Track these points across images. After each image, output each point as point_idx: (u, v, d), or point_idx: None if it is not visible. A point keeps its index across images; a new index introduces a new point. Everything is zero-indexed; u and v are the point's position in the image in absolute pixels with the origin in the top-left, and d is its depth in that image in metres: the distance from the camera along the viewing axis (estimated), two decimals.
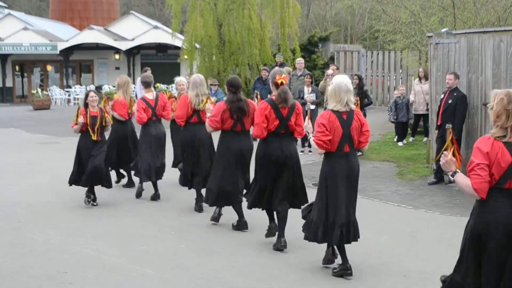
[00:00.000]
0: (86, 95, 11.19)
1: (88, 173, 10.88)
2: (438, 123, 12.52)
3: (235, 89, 9.20)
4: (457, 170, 5.09)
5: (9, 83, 42.70)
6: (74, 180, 11.13)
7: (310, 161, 15.30)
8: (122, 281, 7.39)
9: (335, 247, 7.60)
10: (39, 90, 37.09)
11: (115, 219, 10.05)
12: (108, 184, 11.21)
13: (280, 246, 8.29)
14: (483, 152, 4.88)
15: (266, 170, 8.38)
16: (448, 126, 5.26)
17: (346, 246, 7.42)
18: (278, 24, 29.13)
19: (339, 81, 7.29)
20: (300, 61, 19.00)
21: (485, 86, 12.07)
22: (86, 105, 11.10)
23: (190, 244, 8.74)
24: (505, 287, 4.97)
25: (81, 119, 10.87)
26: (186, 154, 10.71)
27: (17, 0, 65.91)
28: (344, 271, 7.36)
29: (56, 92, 38.61)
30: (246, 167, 9.42)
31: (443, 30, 14.18)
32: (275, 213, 8.52)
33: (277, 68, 8.97)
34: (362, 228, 9.11)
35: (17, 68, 43.76)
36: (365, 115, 16.10)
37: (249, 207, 8.72)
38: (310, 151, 16.62)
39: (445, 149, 5.18)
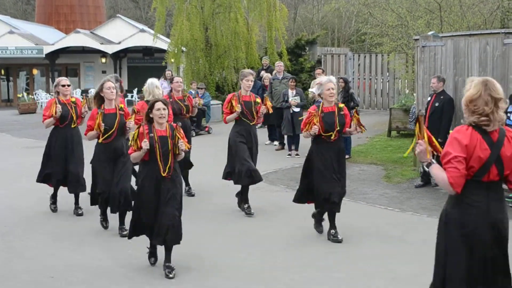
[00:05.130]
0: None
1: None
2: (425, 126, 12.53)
3: None
4: (433, 160, 4.89)
5: None
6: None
7: (297, 165, 15.30)
8: (110, 285, 7.37)
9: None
10: (25, 94, 36.92)
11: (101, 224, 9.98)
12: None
13: None
14: (461, 144, 4.69)
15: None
16: (421, 113, 5.09)
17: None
18: (265, 28, 29.17)
19: (153, 81, 10.88)
20: (279, 64, 19.06)
21: None
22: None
23: (178, 248, 8.69)
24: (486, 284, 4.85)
25: (146, 144, 7.47)
26: None
27: (2, 4, 65.67)
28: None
29: (42, 96, 38.39)
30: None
31: (430, 33, 14.23)
32: None
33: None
34: (350, 231, 9.15)
35: (2, 72, 43.50)
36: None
37: None
38: (297, 154, 16.63)
39: (420, 138, 4.97)
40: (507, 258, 4.92)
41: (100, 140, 9.39)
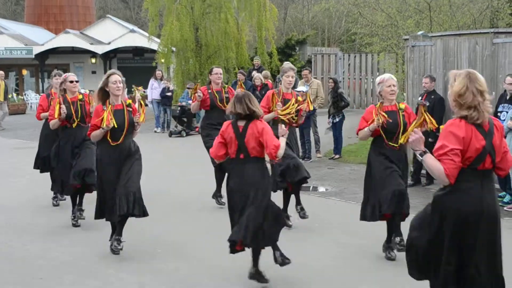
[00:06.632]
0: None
1: None
2: None
3: None
4: (427, 150, 5.01)
5: None
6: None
7: None
8: (99, 286, 7.34)
9: None
10: (15, 94, 36.77)
11: (91, 224, 9.91)
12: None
13: None
14: (458, 137, 4.84)
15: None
16: (421, 102, 5.30)
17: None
18: (255, 28, 29.15)
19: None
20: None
21: None
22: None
23: (167, 249, 8.68)
24: (472, 268, 4.98)
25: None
26: None
27: None
28: None
29: (31, 97, 38.27)
30: None
31: (419, 32, 14.26)
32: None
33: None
34: (339, 231, 9.15)
35: None
36: (343, 118, 16.15)
37: None
38: None
39: (416, 127, 5.14)
40: (497, 248, 5.06)
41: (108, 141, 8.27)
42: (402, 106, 8.10)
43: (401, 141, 5.44)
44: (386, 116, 7.88)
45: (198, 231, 9.68)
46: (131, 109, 8.30)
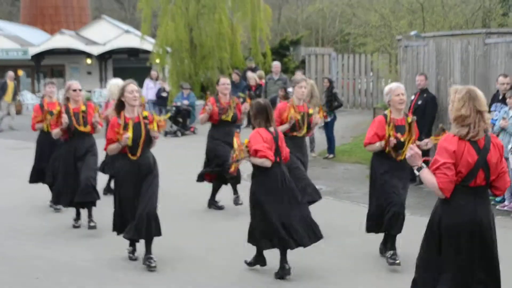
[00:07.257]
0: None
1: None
2: None
3: None
4: (423, 165, 5.07)
5: None
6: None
7: None
8: (96, 286, 7.38)
9: None
10: None
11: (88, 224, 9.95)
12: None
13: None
14: (449, 151, 4.90)
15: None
16: (414, 118, 5.37)
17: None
18: (249, 28, 29.22)
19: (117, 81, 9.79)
20: (276, 65, 18.98)
21: None
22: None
23: (164, 248, 8.63)
24: (472, 283, 5.06)
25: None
26: None
27: None
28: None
29: (27, 97, 38.15)
30: None
31: (412, 33, 14.36)
32: None
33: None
34: (334, 230, 9.20)
35: None
36: (335, 118, 16.23)
37: None
38: None
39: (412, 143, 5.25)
40: (494, 259, 5.13)
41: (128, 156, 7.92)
42: (410, 119, 7.90)
43: (402, 157, 5.62)
44: (395, 138, 7.73)
45: (196, 231, 9.73)
46: (148, 121, 7.91)
